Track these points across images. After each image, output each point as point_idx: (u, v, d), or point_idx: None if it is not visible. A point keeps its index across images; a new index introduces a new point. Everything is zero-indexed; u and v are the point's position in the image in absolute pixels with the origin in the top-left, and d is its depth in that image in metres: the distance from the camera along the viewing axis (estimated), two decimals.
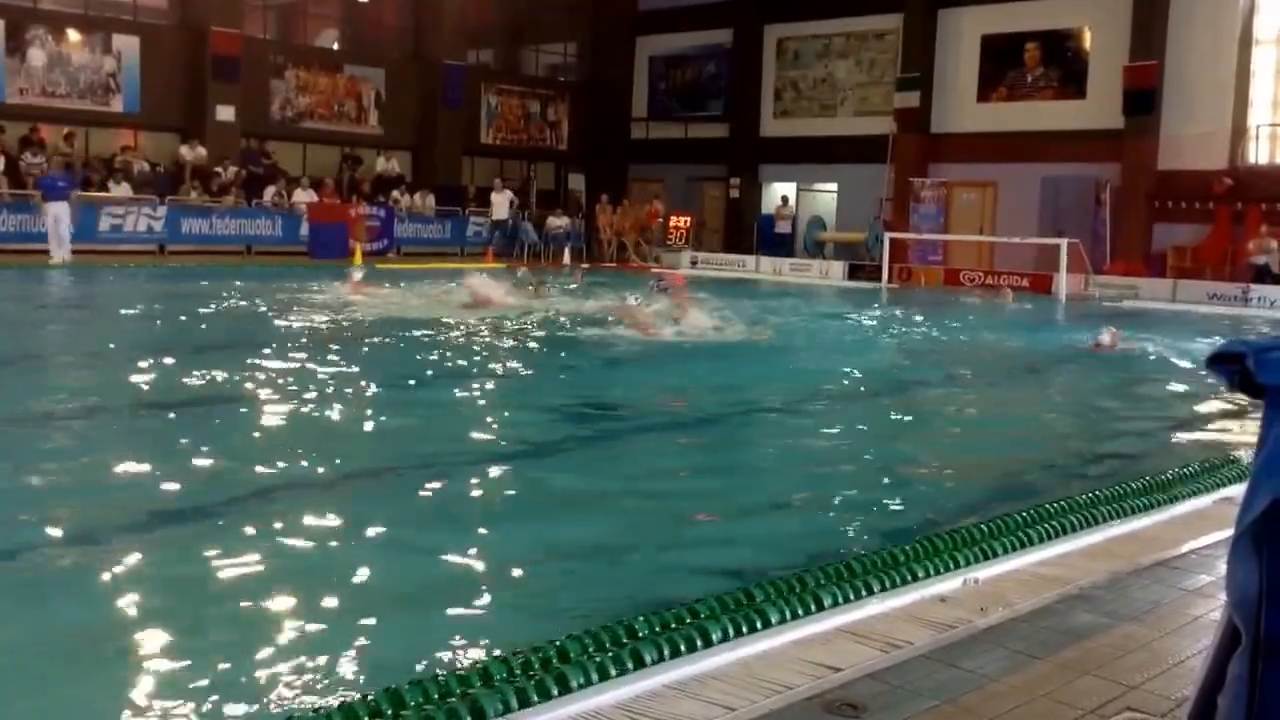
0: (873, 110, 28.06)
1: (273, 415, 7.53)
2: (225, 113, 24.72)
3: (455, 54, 29.06)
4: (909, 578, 3.77)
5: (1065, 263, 22.14)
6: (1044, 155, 24.37)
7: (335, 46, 29.75)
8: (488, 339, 12.00)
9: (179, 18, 24.83)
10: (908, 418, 8.81)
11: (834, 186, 29.53)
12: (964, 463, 7.00)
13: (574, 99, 32.64)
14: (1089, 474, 6.52)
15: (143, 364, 9.20)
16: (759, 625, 3.28)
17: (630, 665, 2.95)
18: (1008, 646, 3.33)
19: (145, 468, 5.88)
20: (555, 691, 2.78)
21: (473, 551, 4.69)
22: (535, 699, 2.73)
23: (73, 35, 23.41)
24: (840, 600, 3.54)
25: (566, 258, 27.24)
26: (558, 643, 3.04)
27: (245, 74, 24.95)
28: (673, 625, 3.21)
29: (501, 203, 27.24)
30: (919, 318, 17.04)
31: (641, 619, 3.23)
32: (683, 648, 3.09)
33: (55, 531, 4.74)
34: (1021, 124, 25.16)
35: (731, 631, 3.21)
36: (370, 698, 2.72)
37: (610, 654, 2.98)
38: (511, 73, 32.63)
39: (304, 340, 11.29)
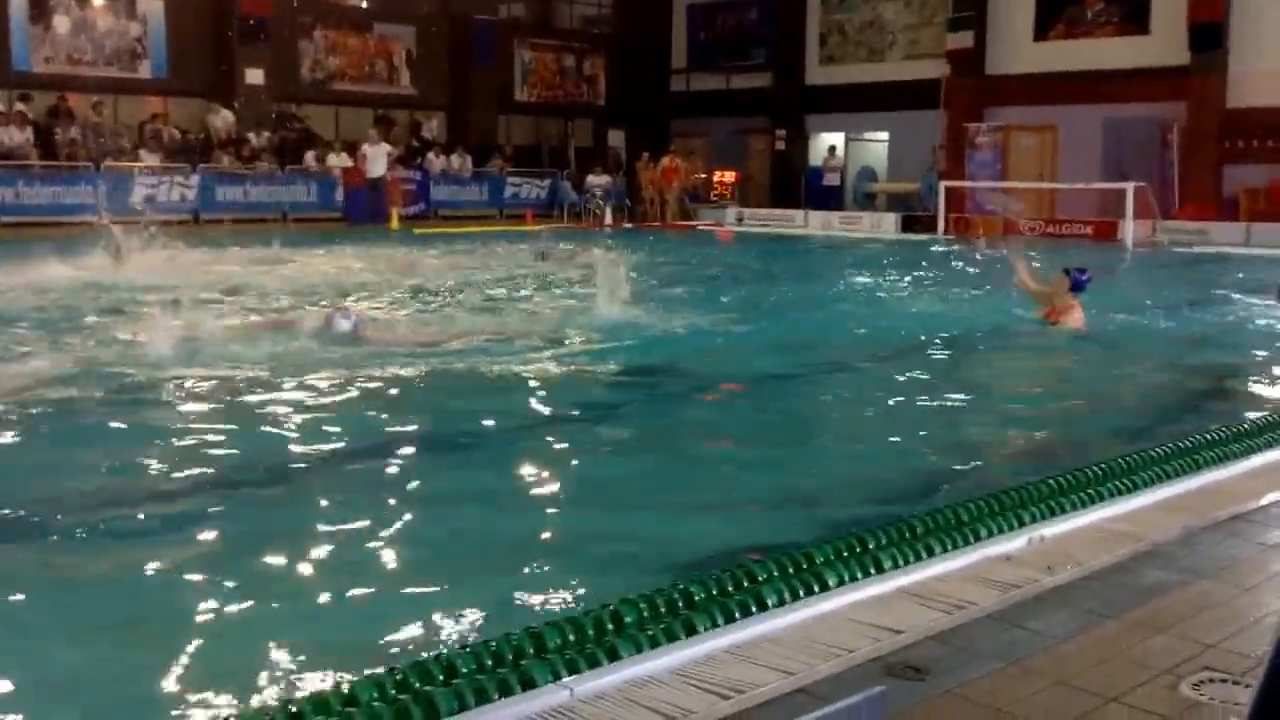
0: (924, 53, 27.04)
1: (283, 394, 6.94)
2: (254, 76, 24.21)
3: (486, 8, 28.30)
4: (972, 538, 3.63)
5: (1131, 208, 21.31)
6: (1106, 96, 23.55)
7: (364, 4, 28.97)
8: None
9: None
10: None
11: (885, 135, 28.69)
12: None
13: (610, 52, 31.70)
14: (1158, 428, 6.08)
15: None
16: (816, 589, 3.19)
17: (685, 630, 2.89)
18: (1076, 606, 3.21)
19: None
20: (607, 658, 2.74)
21: (523, 515, 4.57)
22: (586, 665, 2.70)
23: (97, 0, 22.89)
24: (901, 562, 3.41)
25: (608, 217, 26.49)
26: (611, 607, 2.99)
27: (273, 35, 24.36)
28: (729, 589, 3.16)
29: (376, 156, 23.44)
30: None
31: (697, 583, 3.16)
32: (740, 612, 3.02)
33: None
34: (1082, 63, 24.15)
35: (789, 595, 3.13)
36: (420, 664, 2.69)
37: (664, 619, 2.94)
38: (544, 26, 31.72)
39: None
